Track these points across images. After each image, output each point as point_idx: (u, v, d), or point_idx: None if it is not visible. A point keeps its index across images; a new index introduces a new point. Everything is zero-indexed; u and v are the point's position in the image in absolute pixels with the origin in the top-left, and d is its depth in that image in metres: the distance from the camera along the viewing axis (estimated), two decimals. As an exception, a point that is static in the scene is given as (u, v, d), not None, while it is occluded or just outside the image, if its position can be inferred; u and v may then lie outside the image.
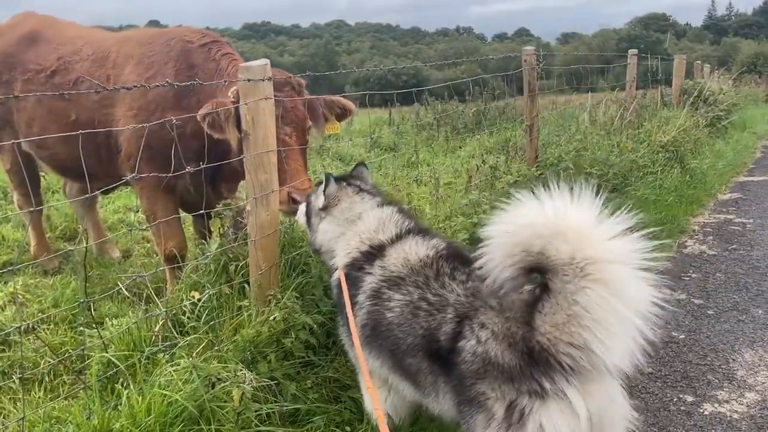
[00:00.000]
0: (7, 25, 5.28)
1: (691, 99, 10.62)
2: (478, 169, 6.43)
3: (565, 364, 1.84)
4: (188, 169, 3.14)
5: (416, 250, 2.43)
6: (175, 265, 4.26)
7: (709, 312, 4.53)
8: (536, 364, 1.86)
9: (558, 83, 8.04)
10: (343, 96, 4.11)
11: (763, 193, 8.43)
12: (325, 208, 2.73)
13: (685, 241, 6.25)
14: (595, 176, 6.07)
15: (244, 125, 3.11)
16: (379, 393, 2.61)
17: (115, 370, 2.86)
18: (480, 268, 2.01)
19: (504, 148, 8.75)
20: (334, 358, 3.17)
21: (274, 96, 3.50)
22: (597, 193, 1.92)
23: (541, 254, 1.85)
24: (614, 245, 1.83)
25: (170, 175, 3.03)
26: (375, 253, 2.53)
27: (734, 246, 6.06)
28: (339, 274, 2.58)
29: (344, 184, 2.78)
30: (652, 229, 1.91)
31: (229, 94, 3.54)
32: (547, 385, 1.84)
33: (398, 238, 2.56)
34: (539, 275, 1.92)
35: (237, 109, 3.31)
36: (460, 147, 11.27)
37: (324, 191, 2.71)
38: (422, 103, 14.78)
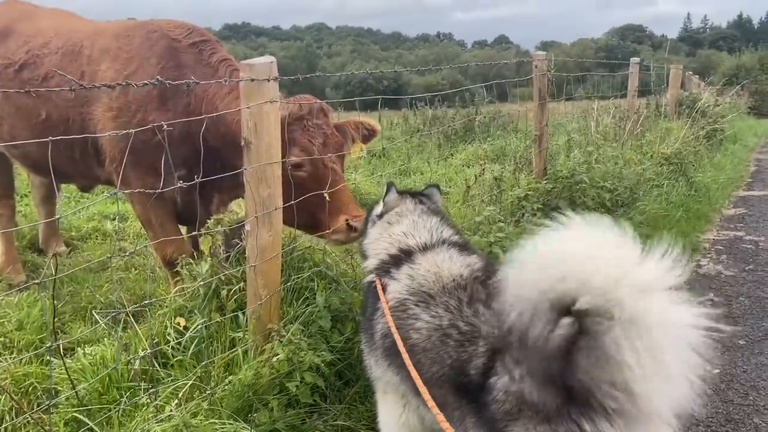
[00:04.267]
0: None
1: (688, 110, 10.37)
2: (476, 178, 6.05)
3: (607, 405, 1.61)
4: (180, 183, 2.71)
5: (449, 265, 2.21)
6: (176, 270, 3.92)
7: (740, 342, 4.19)
8: (575, 404, 1.65)
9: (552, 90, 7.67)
10: (328, 102, 3.85)
11: None
12: (381, 215, 2.67)
13: (699, 260, 5.93)
14: (606, 190, 5.72)
15: (245, 132, 2.67)
16: (393, 410, 2.31)
17: (86, 427, 2.39)
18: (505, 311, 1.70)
19: (500, 157, 8.40)
20: (350, 403, 2.73)
21: (315, 125, 3.37)
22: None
23: (573, 302, 1.58)
24: (654, 299, 1.54)
25: (159, 190, 2.58)
26: (403, 258, 2.35)
27: (751, 266, 5.75)
28: (370, 279, 2.42)
29: (406, 194, 2.73)
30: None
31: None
32: (586, 426, 1.63)
33: (430, 246, 2.35)
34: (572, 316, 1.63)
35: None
36: (452, 154, 10.90)
37: (384, 199, 2.68)
38: (411, 107, 14.40)
